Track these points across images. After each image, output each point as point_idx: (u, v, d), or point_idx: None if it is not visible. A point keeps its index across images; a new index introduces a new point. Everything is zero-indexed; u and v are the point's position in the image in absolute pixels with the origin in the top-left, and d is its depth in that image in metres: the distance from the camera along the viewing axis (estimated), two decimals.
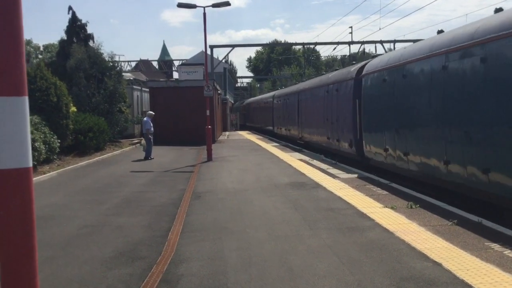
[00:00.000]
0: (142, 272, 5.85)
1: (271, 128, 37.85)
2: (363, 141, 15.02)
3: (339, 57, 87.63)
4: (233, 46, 42.27)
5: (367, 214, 8.43)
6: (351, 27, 41.32)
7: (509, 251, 5.99)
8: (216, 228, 7.85)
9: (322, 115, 20.08)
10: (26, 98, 1.89)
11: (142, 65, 71.31)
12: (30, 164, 1.88)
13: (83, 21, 27.19)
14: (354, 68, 16.78)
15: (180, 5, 19.91)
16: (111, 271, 5.90)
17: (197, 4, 19.96)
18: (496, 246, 6.23)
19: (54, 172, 15.30)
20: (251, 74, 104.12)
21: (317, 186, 11.71)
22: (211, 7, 20.18)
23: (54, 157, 17.36)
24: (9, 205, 1.77)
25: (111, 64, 27.64)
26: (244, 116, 65.01)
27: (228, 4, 19.68)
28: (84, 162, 18.38)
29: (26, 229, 1.83)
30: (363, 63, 16.38)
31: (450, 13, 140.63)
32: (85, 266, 6.12)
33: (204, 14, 19.86)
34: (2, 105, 1.80)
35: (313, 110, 22.31)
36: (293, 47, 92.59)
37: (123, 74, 30.72)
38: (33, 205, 1.85)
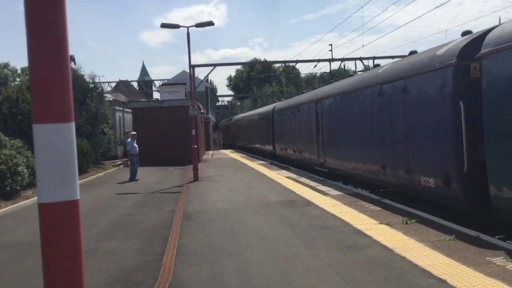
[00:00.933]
0: None
1: (270, 148, 30.85)
2: (489, 178, 7.87)
3: (318, 75, 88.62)
4: (214, 65, 42.39)
5: (363, 231, 8.35)
6: (331, 44, 41.74)
7: (511, 265, 5.95)
8: (211, 250, 7.68)
9: (369, 131, 13.00)
10: (73, 125, 1.76)
11: (122, 86, 70.96)
12: (78, 196, 1.75)
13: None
14: (454, 44, 9.55)
15: (164, 25, 19.87)
16: None
17: (181, 25, 19.93)
18: (497, 261, 6.19)
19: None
20: (231, 93, 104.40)
21: (308, 203, 11.62)
22: (194, 27, 20.15)
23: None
24: (57, 240, 1.63)
25: (93, 85, 27.39)
26: (232, 135, 56.87)
27: (211, 24, 19.71)
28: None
29: (75, 266, 1.69)
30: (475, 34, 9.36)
31: (425, 29, 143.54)
32: None
33: (188, 34, 19.84)
34: (51, 132, 1.66)
35: (347, 123, 15.07)
36: (273, 65, 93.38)
37: (104, 95, 30.45)
38: (81, 239, 1.71)
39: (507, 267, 5.90)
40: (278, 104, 29.93)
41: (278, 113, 27.89)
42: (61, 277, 1.69)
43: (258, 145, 36.56)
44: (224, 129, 68.07)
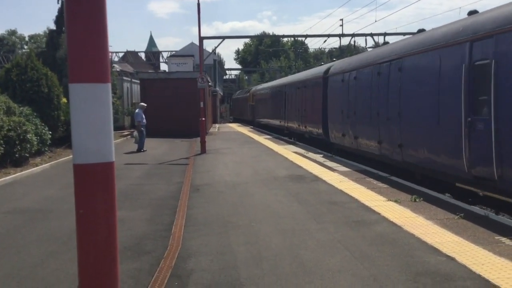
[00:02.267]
0: (150, 267, 5.71)
1: (318, 131, 20.56)
2: None
3: (327, 50, 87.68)
4: (223, 37, 41.82)
5: (371, 207, 8.37)
6: (341, 19, 41.15)
7: None
8: (220, 222, 7.73)
9: None
10: (109, 85, 1.73)
11: (130, 56, 70.57)
12: (113, 158, 1.74)
13: None
14: None
15: None
16: None
17: None
18: (507, 240, 6.19)
19: (47, 164, 15.02)
20: (239, 66, 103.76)
21: (316, 179, 11.63)
22: None
23: (46, 149, 17.05)
24: (92, 203, 1.62)
25: None
26: (252, 110, 45.85)
27: None
28: None
29: (109, 228, 1.68)
30: None
31: (437, 6, 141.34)
32: None
33: (198, 4, 19.59)
34: (87, 91, 1.64)
35: None
36: (281, 39, 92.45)
37: (112, 65, 30.33)
38: (116, 202, 1.69)
39: None
40: (338, 64, 19.09)
41: (337, 77, 17.75)
42: (95, 239, 1.69)
43: (293, 125, 26.06)
44: (239, 103, 57.77)
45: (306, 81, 23.40)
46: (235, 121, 55.60)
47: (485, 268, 5.21)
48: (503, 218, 7.26)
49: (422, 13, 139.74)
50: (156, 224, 7.80)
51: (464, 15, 11.34)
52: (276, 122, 32.02)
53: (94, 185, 1.67)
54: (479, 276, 5.02)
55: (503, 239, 6.27)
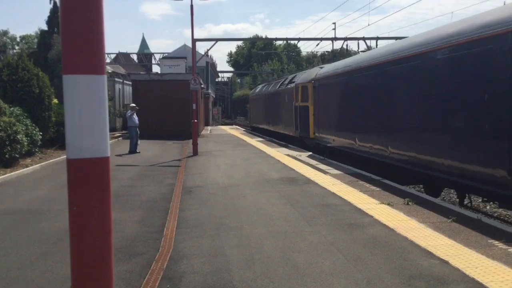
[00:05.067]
0: (142, 269, 5.65)
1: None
2: None
3: (319, 54, 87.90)
4: (216, 40, 41.76)
5: (364, 210, 8.35)
6: (334, 23, 41.34)
7: None
8: (212, 224, 7.67)
9: None
10: (105, 77, 1.68)
11: (122, 58, 70.32)
12: (109, 153, 1.68)
13: None
14: None
15: None
16: None
17: None
18: (499, 244, 6.19)
19: (37, 165, 14.88)
20: (231, 69, 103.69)
21: (309, 181, 11.60)
22: (198, 0, 19.83)
23: (36, 149, 16.90)
24: (86, 199, 1.56)
25: None
26: (264, 111, 34.45)
27: None
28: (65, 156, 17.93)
29: (103, 226, 1.62)
30: None
31: (428, 11, 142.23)
32: None
33: (192, 7, 19.53)
34: (82, 83, 1.58)
35: None
36: (274, 42, 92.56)
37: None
38: (111, 199, 1.64)
39: (509, 250, 5.90)
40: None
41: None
42: (89, 237, 1.64)
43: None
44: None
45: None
46: (254, 130, 39.15)
47: (479, 272, 5.20)
48: (496, 222, 7.27)
49: (414, 18, 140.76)
50: (148, 226, 7.73)
51: (456, 19, 11.51)
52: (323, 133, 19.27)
53: (88, 181, 1.61)
54: (473, 279, 5.01)
55: (496, 242, 6.27)
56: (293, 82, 23.60)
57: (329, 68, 18.76)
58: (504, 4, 10.20)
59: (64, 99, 1.65)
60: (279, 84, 28.43)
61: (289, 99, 24.13)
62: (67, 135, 1.65)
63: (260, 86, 39.57)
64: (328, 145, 17.60)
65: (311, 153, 18.71)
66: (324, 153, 17.62)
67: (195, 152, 18.90)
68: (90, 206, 1.61)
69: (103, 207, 1.64)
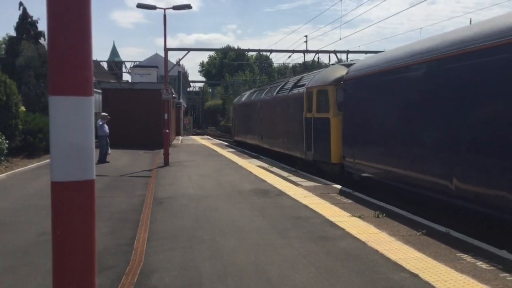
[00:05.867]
0: (111, 283, 5.53)
1: None
2: None
3: (291, 65, 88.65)
4: (188, 49, 41.77)
5: (336, 223, 8.40)
6: (306, 36, 41.83)
7: (481, 262, 6.08)
8: (184, 236, 7.59)
9: None
10: (92, 99, 1.63)
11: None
12: (94, 176, 1.63)
13: (34, 18, 26.11)
14: None
15: (140, 6, 19.41)
16: None
17: (157, 6, 19.53)
18: (467, 257, 6.31)
19: (3, 174, 14.48)
20: (203, 79, 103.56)
21: (281, 193, 11.63)
22: (171, 10, 19.77)
23: (2, 158, 16.44)
24: (71, 223, 1.51)
25: None
26: (255, 123, 27.01)
27: (189, 7, 19.40)
28: (34, 164, 17.52)
29: (87, 250, 1.57)
30: None
31: (398, 26, 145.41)
32: (49, 276, 5.68)
33: (164, 16, 19.46)
34: (68, 104, 1.54)
35: None
36: (246, 53, 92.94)
37: None
38: (95, 222, 1.59)
39: (477, 263, 6.02)
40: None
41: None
42: (73, 262, 1.59)
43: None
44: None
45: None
46: (239, 145, 32.06)
47: (448, 285, 5.28)
48: (464, 236, 7.40)
49: (383, 32, 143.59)
50: (118, 238, 7.59)
51: (425, 35, 11.81)
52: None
53: (73, 205, 1.57)
54: None
55: (464, 256, 6.39)
56: (302, 86, 17.50)
57: (373, 61, 12.66)
58: (470, 22, 10.46)
59: (50, 120, 1.61)
60: (277, 89, 21.62)
61: (295, 108, 17.92)
62: (51, 157, 1.60)
63: (248, 93, 31.75)
64: (368, 175, 12.26)
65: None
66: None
67: (166, 163, 18.74)
68: (74, 230, 1.56)
69: (87, 231, 1.60)
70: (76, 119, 1.57)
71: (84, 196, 1.60)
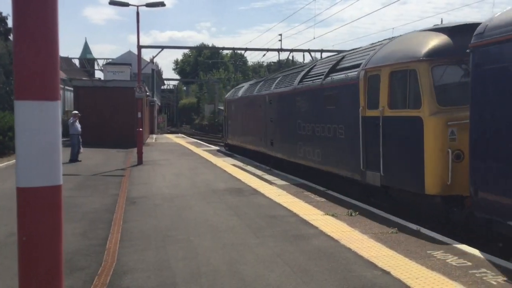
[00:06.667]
0: (84, 284, 5.46)
1: None
2: None
3: (265, 64, 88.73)
4: (162, 47, 41.19)
5: (309, 221, 8.46)
6: (280, 34, 41.98)
7: (451, 259, 6.21)
8: (157, 236, 7.54)
9: None
10: (59, 104, 1.60)
11: (63, 63, 68.07)
12: (61, 181, 1.60)
13: (4, 14, 25.53)
14: None
15: (112, 3, 19.17)
16: None
17: (130, 3, 19.31)
18: (438, 254, 6.44)
19: None
20: (177, 77, 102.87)
21: (255, 192, 11.65)
22: (144, 7, 19.58)
23: None
24: (37, 229, 1.48)
25: None
26: (261, 125, 19.34)
27: (163, 4, 19.23)
28: (3, 164, 17.15)
29: (54, 257, 1.54)
30: None
31: (370, 26, 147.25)
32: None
33: (138, 13, 19.26)
34: (34, 109, 1.50)
35: None
36: (221, 51, 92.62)
37: None
38: (62, 229, 1.56)
39: (447, 260, 6.14)
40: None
41: None
42: (39, 268, 1.55)
43: None
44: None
45: None
46: (232, 149, 25.37)
47: (419, 282, 5.38)
48: (434, 233, 7.55)
49: (357, 32, 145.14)
50: (90, 238, 7.50)
51: (395, 34, 11.15)
52: None
53: (39, 211, 1.53)
54: None
55: (435, 253, 6.52)
56: (351, 68, 11.76)
57: None
58: (441, 21, 10.62)
59: (15, 125, 1.57)
60: (299, 77, 15.27)
61: (338, 102, 12.11)
62: (17, 162, 1.57)
63: (246, 85, 24.55)
64: None
65: (257, 163, 16.89)
66: (270, 164, 16.49)
67: (140, 161, 18.57)
68: (41, 236, 1.53)
69: (54, 237, 1.57)
70: (42, 124, 1.53)
71: (50, 202, 1.57)
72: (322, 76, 13.17)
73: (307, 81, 14.46)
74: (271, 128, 17.69)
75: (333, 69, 12.85)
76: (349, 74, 11.55)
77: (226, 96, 28.22)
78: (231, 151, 24.78)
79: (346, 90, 11.56)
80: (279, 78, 17.87)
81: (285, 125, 16.16)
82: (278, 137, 16.88)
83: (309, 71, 14.89)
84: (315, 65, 14.96)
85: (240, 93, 24.14)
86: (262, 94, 19.19)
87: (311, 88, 13.91)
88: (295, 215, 9.02)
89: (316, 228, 7.99)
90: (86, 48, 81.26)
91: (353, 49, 13.25)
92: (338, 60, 13.00)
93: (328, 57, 15.94)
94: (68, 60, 71.64)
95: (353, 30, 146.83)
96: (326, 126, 12.70)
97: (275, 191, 11.71)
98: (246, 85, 24.06)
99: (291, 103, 15.41)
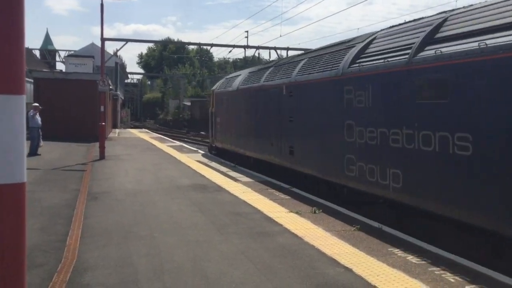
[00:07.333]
0: (42, 282, 5.32)
1: None
2: None
3: (231, 60, 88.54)
4: (126, 40, 40.52)
5: (274, 218, 8.49)
6: (247, 31, 41.99)
7: (411, 256, 6.34)
8: (120, 232, 7.42)
9: None
10: (24, 98, 1.52)
11: None
12: (25, 179, 1.53)
13: None
14: None
15: None
16: None
17: None
18: (398, 252, 6.57)
19: None
20: (142, 71, 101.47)
21: (220, 189, 11.60)
22: None
23: None
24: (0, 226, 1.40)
25: None
26: (266, 127, 14.62)
27: None
28: None
29: (17, 258, 1.47)
30: None
31: (335, 25, 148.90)
32: None
33: (102, 5, 18.88)
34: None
35: None
36: (186, 46, 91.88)
37: None
38: (25, 228, 1.49)
39: (407, 258, 6.28)
40: None
41: None
42: (1, 268, 1.48)
43: None
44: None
45: None
46: (221, 154, 20.47)
47: (380, 279, 5.48)
48: (395, 231, 7.70)
49: (322, 31, 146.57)
50: (49, 234, 7.31)
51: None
52: None
53: (2, 209, 1.46)
54: (375, 287, 5.26)
55: (395, 250, 6.65)
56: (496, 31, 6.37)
57: None
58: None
59: None
60: (353, 55, 10.02)
61: (463, 94, 6.76)
62: None
63: (243, 73, 19.13)
64: None
65: (222, 160, 17.93)
66: (235, 161, 17.03)
67: (102, 156, 18.22)
68: (2, 235, 1.46)
69: (17, 237, 1.50)
70: (5, 119, 1.46)
71: (13, 200, 1.50)
72: (409, 51, 8.07)
73: (367, 61, 9.43)
74: (290, 130, 12.78)
75: (431, 39, 7.83)
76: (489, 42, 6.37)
77: (213, 87, 23.05)
78: (220, 156, 20.11)
79: (480, 73, 6.48)
80: (304, 61, 12.79)
81: (318, 127, 11.19)
82: (304, 144, 11.98)
83: (365, 47, 9.89)
84: (375, 38, 9.88)
85: (235, 83, 18.67)
86: (276, 84, 13.95)
87: (379, 72, 8.82)
88: (259, 212, 9.04)
89: (280, 225, 8.03)
90: (47, 39, 79.16)
91: (458, 10, 7.89)
92: (437, 25, 7.88)
93: (410, 21, 9.17)
94: (28, 51, 69.62)
95: (319, 29, 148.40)
96: (421, 134, 7.55)
97: (240, 188, 11.70)
98: (243, 73, 18.99)
99: (333, 96, 10.46)
